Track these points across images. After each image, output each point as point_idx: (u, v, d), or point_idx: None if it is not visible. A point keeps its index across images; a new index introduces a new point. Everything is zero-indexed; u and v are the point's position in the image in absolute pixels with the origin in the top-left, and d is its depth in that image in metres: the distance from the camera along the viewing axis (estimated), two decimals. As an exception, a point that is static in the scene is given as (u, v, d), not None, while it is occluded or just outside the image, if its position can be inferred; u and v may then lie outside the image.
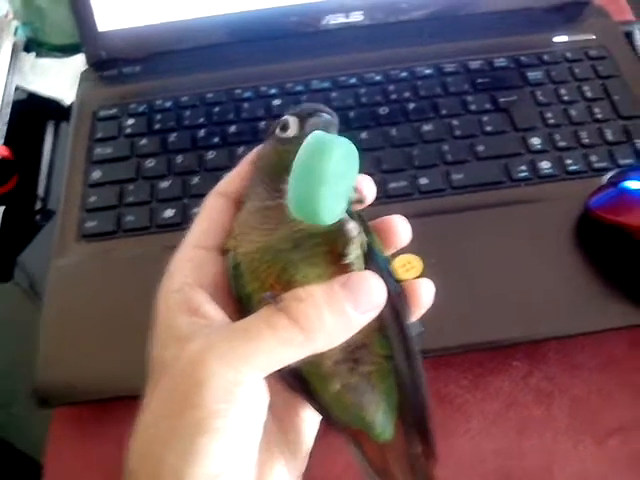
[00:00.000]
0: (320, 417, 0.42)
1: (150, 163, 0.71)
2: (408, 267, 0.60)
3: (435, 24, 0.81)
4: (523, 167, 0.68)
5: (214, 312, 0.37)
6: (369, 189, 0.40)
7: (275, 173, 0.38)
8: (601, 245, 0.62)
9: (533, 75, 0.76)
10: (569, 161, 0.68)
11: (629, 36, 0.82)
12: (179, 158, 0.71)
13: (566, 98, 0.74)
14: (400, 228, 0.41)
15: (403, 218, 0.41)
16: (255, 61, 0.79)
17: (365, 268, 0.37)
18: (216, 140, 0.72)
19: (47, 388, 0.58)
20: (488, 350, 0.60)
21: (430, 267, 0.60)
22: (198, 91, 0.77)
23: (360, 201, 0.37)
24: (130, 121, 0.75)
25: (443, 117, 0.73)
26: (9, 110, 0.84)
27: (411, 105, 0.74)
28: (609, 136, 0.70)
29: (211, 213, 0.40)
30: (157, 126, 0.74)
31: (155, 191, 0.69)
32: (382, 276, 0.36)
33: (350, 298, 0.35)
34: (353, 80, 0.77)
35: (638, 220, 0.60)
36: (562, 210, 0.64)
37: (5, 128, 0.82)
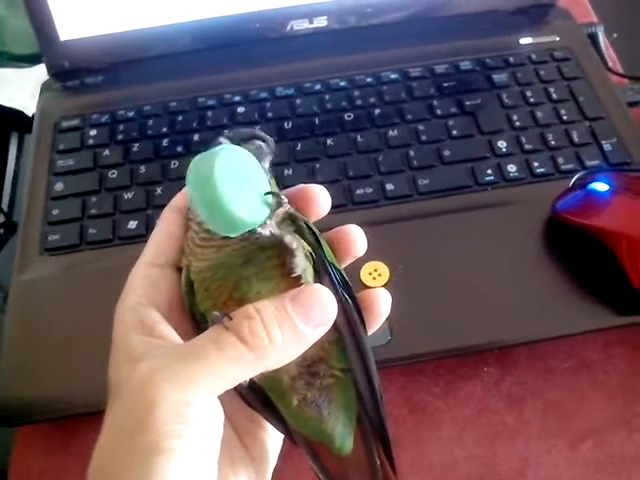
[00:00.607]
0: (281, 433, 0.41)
1: (113, 174, 0.70)
2: (375, 275, 0.59)
3: (400, 28, 0.81)
4: (489, 171, 0.67)
5: (168, 332, 0.36)
6: (325, 199, 0.40)
7: None
8: (570, 248, 0.62)
9: (499, 78, 0.76)
10: (536, 164, 0.68)
11: (593, 38, 0.82)
12: (142, 168, 0.70)
13: (532, 100, 0.74)
14: (357, 237, 0.40)
15: (358, 227, 0.40)
16: (219, 69, 0.79)
17: (317, 281, 0.37)
18: (180, 149, 0.71)
19: (10, 407, 0.57)
20: (459, 356, 0.60)
21: (398, 274, 0.60)
22: (161, 100, 0.76)
23: (280, 205, 0.37)
24: (93, 132, 0.74)
25: (409, 122, 0.72)
26: (-31, 122, 0.82)
27: (377, 110, 0.73)
28: (575, 138, 0.70)
29: (166, 229, 0.39)
30: (120, 136, 0.73)
31: (118, 202, 0.68)
32: (334, 288, 0.36)
33: (300, 312, 0.34)
34: (318, 86, 0.76)
35: (605, 222, 0.60)
36: (530, 213, 0.64)
37: (-35, 141, 0.80)
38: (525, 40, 0.80)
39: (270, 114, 0.74)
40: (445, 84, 0.75)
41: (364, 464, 0.39)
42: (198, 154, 0.35)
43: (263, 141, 0.39)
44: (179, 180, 0.68)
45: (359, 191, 0.66)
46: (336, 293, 0.36)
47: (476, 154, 0.69)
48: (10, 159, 0.83)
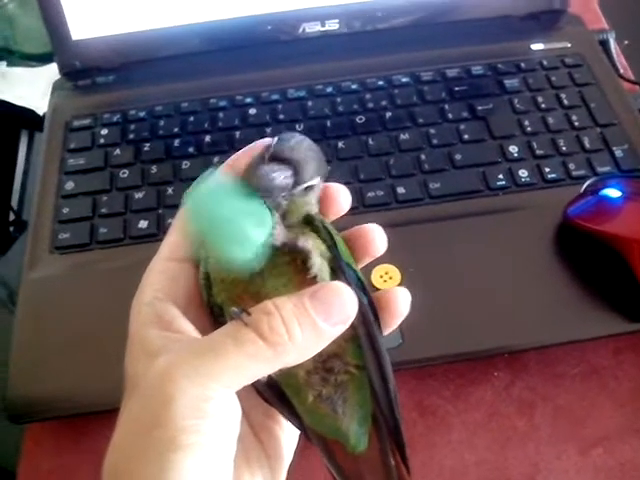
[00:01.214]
0: (297, 430, 0.41)
1: (124, 174, 0.70)
2: (386, 277, 0.59)
3: (412, 32, 0.81)
4: (501, 175, 0.67)
5: (186, 326, 0.36)
6: (345, 197, 0.40)
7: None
8: (581, 253, 0.61)
9: (510, 83, 0.76)
10: (547, 169, 0.68)
11: (604, 44, 0.83)
12: (153, 168, 0.70)
13: (543, 106, 0.74)
14: (376, 236, 0.40)
15: (378, 226, 0.40)
16: (231, 70, 0.79)
17: (332, 279, 0.37)
18: (191, 150, 0.71)
19: (19, 404, 0.57)
20: (469, 361, 0.60)
21: (408, 277, 0.60)
22: (173, 100, 0.76)
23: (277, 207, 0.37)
24: (104, 131, 0.74)
25: (420, 126, 0.72)
26: (-20, 120, 0.82)
27: (388, 114, 0.73)
28: (587, 144, 0.70)
29: (185, 224, 0.39)
30: (131, 136, 0.73)
31: (129, 202, 0.68)
32: (350, 287, 0.36)
33: (320, 310, 0.34)
34: (329, 89, 0.76)
35: (617, 228, 0.59)
36: (541, 218, 0.64)
37: (-24, 138, 0.80)
38: (536, 46, 0.80)
39: (282, 116, 0.73)
40: (456, 88, 0.75)
41: (378, 463, 0.39)
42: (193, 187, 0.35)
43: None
44: (190, 180, 0.67)
45: (370, 194, 0.66)
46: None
47: (487, 159, 0.69)
48: (20, 157, 0.83)
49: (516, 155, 0.69)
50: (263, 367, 0.33)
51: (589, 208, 0.62)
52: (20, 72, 0.89)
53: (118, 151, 0.72)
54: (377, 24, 0.80)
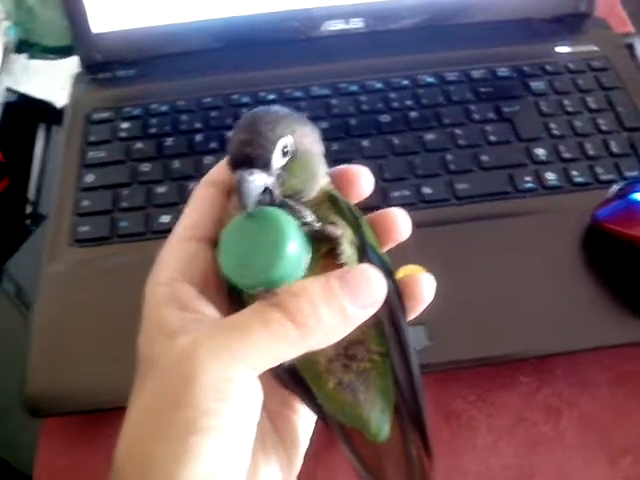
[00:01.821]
0: (315, 416, 0.40)
1: (145, 167, 0.69)
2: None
3: (436, 33, 0.80)
4: (528, 178, 0.67)
5: (204, 307, 0.35)
6: (367, 180, 0.39)
7: None
8: (609, 257, 0.61)
9: (536, 85, 0.75)
10: (574, 172, 0.67)
11: (630, 48, 0.82)
12: (176, 163, 0.69)
13: (570, 109, 0.73)
14: (400, 221, 0.39)
15: (402, 210, 0.39)
16: (254, 66, 0.78)
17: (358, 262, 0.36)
18: (213, 145, 0.70)
19: (38, 398, 0.56)
20: (495, 365, 0.59)
21: (434, 278, 0.59)
22: (195, 95, 0.76)
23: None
24: (124, 124, 0.73)
25: (446, 126, 0.71)
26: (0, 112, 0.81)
27: (413, 113, 0.72)
28: (614, 148, 0.69)
29: (201, 204, 0.38)
30: (153, 130, 0.72)
31: (151, 196, 0.67)
32: None
33: (347, 292, 0.33)
34: (354, 87, 0.75)
35: (647, 232, 0.59)
36: (569, 222, 0.63)
37: (-5, 130, 0.80)
38: (562, 49, 0.80)
39: (305, 113, 0.72)
40: (482, 89, 0.75)
41: (400, 452, 0.38)
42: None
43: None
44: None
45: (395, 193, 0.66)
46: None
47: (514, 161, 0.68)
48: (37, 150, 0.82)
49: (543, 158, 0.68)
50: (288, 348, 0.32)
51: (618, 212, 0.61)
52: (39, 65, 0.88)
53: (139, 145, 0.71)
54: (401, 24, 0.80)
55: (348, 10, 0.79)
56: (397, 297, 0.37)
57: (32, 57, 0.89)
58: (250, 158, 0.34)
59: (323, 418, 0.39)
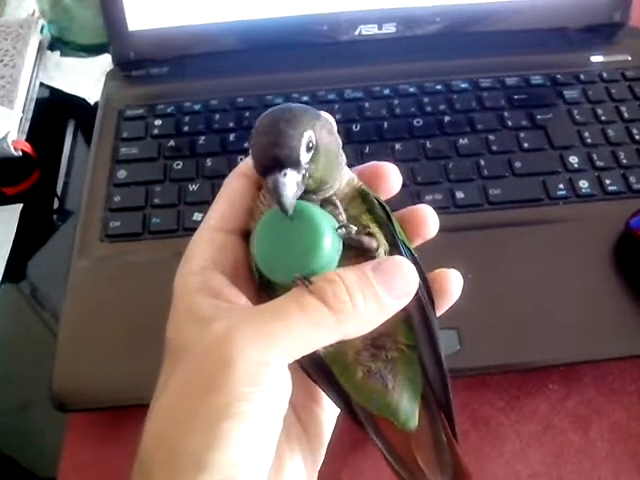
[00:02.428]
0: (339, 410, 0.41)
1: (178, 165, 0.69)
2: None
3: (469, 39, 0.80)
4: (561, 185, 0.66)
5: (235, 296, 0.36)
6: (396, 177, 0.40)
7: None
8: (641, 267, 0.60)
9: (569, 94, 0.75)
10: (608, 181, 0.67)
11: (664, 58, 0.81)
12: (208, 161, 0.69)
13: (603, 118, 0.73)
14: (429, 218, 0.40)
15: (430, 208, 0.40)
16: (286, 67, 0.78)
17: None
18: (246, 145, 0.70)
19: (65, 392, 0.56)
20: (524, 371, 0.59)
21: (466, 283, 0.58)
22: (228, 95, 0.76)
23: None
24: (157, 122, 0.74)
25: (479, 132, 0.71)
26: (33, 106, 0.82)
27: (446, 118, 0.72)
28: (648, 158, 0.69)
29: (233, 195, 0.39)
30: (185, 128, 0.73)
31: (183, 194, 0.67)
32: None
33: (382, 281, 0.34)
34: (387, 91, 0.76)
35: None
36: (601, 230, 0.63)
37: (28, 124, 0.80)
38: (596, 58, 0.80)
39: (338, 116, 0.73)
40: (515, 96, 0.74)
41: (430, 440, 0.39)
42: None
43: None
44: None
45: (428, 197, 0.65)
46: None
47: (548, 168, 0.68)
48: (66, 146, 0.82)
49: (576, 166, 0.68)
50: (324, 335, 0.33)
51: (652, 221, 0.61)
52: (72, 62, 0.89)
53: (172, 142, 0.71)
54: (434, 30, 0.80)
55: (382, 15, 0.79)
56: (426, 291, 0.38)
57: (65, 55, 0.90)
58: (279, 160, 0.34)
59: (349, 411, 0.39)
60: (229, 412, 0.30)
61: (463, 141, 0.70)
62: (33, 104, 0.82)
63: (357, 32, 0.79)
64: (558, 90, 0.76)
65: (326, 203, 0.37)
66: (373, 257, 0.36)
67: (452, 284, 0.39)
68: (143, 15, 0.77)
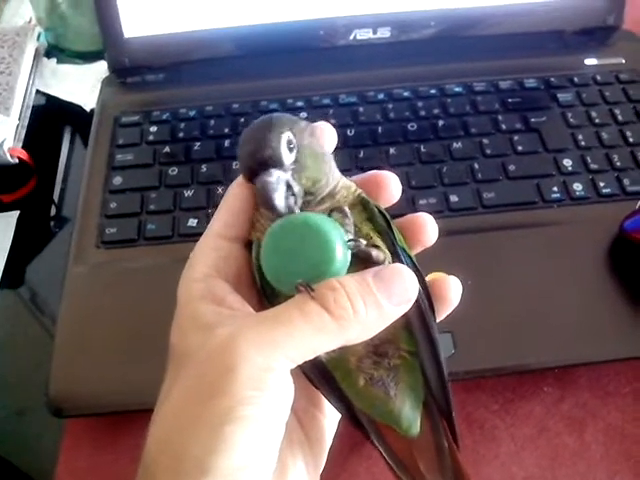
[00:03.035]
0: (340, 415, 0.41)
1: (173, 171, 0.69)
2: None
3: (464, 43, 0.81)
4: (555, 188, 0.66)
5: (239, 303, 0.36)
6: (395, 186, 0.40)
7: None
8: (636, 269, 0.60)
9: (563, 97, 0.75)
10: (602, 184, 0.67)
11: (658, 61, 0.82)
12: (204, 167, 0.69)
13: (597, 121, 0.73)
14: (428, 225, 0.40)
15: (429, 216, 0.40)
16: (281, 73, 0.79)
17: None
18: (241, 151, 0.71)
19: (61, 398, 0.56)
20: (518, 374, 0.59)
21: (464, 289, 0.59)
22: (223, 101, 0.76)
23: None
24: (153, 128, 0.74)
25: (473, 135, 0.71)
26: (29, 114, 0.82)
27: (440, 122, 0.73)
28: (642, 160, 0.69)
29: (235, 203, 0.39)
30: (181, 134, 0.73)
31: (178, 200, 0.67)
32: None
33: (382, 288, 0.34)
34: (381, 95, 0.76)
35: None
36: (595, 233, 0.63)
37: (24, 131, 0.80)
38: (590, 61, 0.80)
39: (333, 121, 0.72)
40: (509, 100, 0.75)
41: (431, 447, 0.39)
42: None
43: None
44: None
45: (422, 201, 0.66)
46: None
47: (541, 171, 0.68)
48: (63, 153, 0.83)
49: (570, 168, 0.68)
50: (326, 340, 0.33)
51: (646, 223, 0.61)
52: (68, 69, 0.89)
53: (167, 149, 0.72)
54: (428, 34, 0.80)
55: (377, 20, 0.79)
56: (426, 298, 0.38)
57: (61, 62, 0.90)
58: (262, 161, 0.35)
59: (350, 417, 0.39)
60: (232, 416, 0.30)
61: (457, 145, 0.70)
62: (29, 111, 0.83)
63: (352, 37, 0.80)
64: (552, 93, 0.76)
65: (336, 211, 0.37)
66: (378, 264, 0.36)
67: (451, 291, 0.40)
68: (138, 22, 0.77)
